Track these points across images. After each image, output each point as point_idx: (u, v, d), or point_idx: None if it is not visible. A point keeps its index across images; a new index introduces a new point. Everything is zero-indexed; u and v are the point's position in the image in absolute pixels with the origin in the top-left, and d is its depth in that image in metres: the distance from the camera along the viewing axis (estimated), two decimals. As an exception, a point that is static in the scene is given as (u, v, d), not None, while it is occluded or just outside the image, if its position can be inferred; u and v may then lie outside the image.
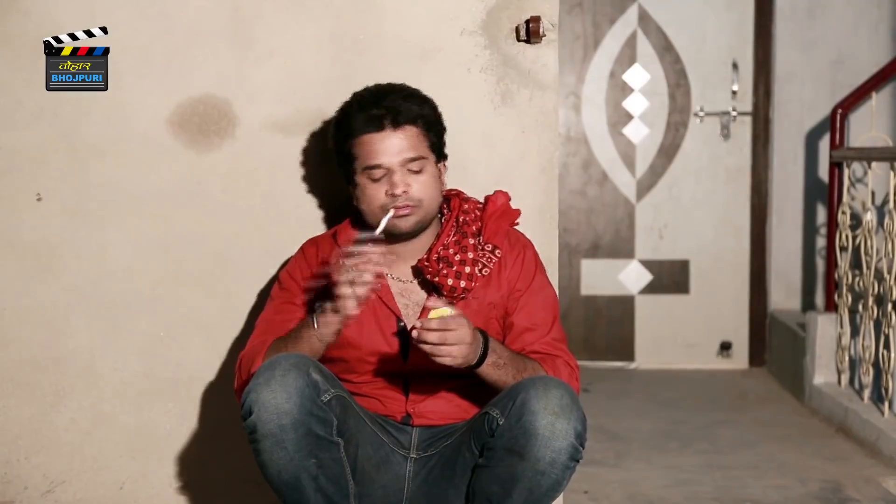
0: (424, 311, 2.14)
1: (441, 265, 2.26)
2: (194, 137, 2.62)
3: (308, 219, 2.60)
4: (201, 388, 2.68)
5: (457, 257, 2.27)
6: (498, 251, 2.32)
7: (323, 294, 2.17)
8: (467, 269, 2.27)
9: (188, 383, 2.67)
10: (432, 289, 2.29)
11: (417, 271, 2.32)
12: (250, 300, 2.65)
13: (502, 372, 2.18)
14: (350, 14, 2.60)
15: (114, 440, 2.68)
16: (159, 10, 2.59)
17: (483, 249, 2.31)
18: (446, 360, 2.06)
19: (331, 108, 2.58)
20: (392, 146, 2.24)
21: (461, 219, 2.34)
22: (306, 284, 2.32)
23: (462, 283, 2.26)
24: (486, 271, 2.30)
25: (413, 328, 2.05)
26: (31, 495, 2.68)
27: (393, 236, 2.26)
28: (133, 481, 2.69)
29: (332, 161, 2.59)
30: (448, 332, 2.03)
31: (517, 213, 2.41)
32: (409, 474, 2.28)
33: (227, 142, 2.63)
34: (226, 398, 2.63)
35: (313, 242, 2.41)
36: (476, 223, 2.34)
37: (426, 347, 2.04)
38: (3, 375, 2.65)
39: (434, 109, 2.33)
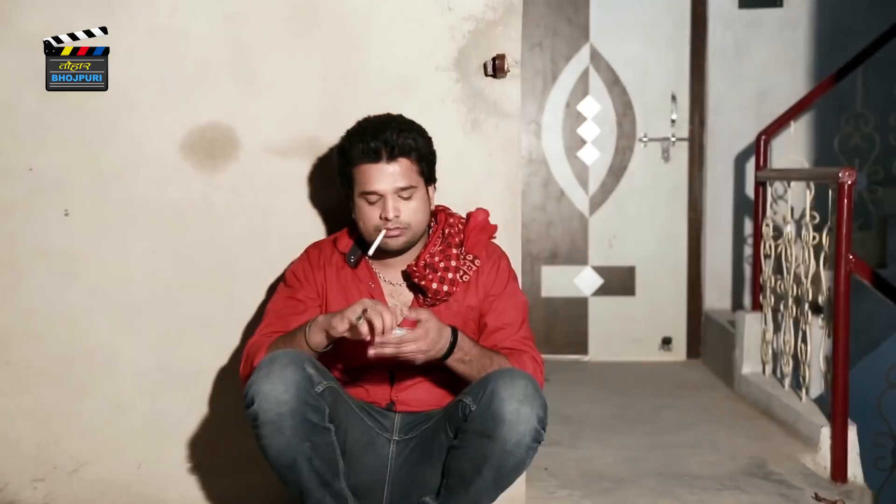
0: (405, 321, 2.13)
1: (427, 271, 2.27)
2: (203, 160, 2.60)
3: (303, 231, 2.59)
4: (209, 380, 2.66)
5: (441, 265, 2.28)
6: (477, 261, 2.32)
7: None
8: (450, 276, 2.27)
9: (197, 376, 2.65)
10: (418, 291, 2.29)
11: (406, 275, 2.32)
12: (252, 302, 2.63)
13: (468, 367, 2.18)
14: (340, 52, 2.59)
15: (132, 426, 2.65)
16: (172, 47, 2.58)
17: (464, 259, 2.32)
18: (411, 359, 2.08)
19: (323, 134, 2.58)
20: (386, 176, 2.23)
21: (446, 231, 2.34)
22: (308, 282, 2.33)
23: (445, 288, 2.27)
24: (466, 278, 2.30)
25: (370, 350, 2.05)
26: (60, 473, 2.65)
27: (385, 252, 2.27)
28: (149, 462, 2.66)
29: (324, 181, 2.59)
30: (404, 344, 2.05)
31: (495, 227, 2.41)
32: (392, 455, 2.27)
33: (231, 164, 2.61)
34: (231, 389, 2.62)
35: (316, 245, 2.41)
36: (459, 235, 2.35)
37: (389, 353, 2.06)
38: (34, 369, 2.62)
39: (427, 142, 2.32)
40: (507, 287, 2.35)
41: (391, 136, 2.24)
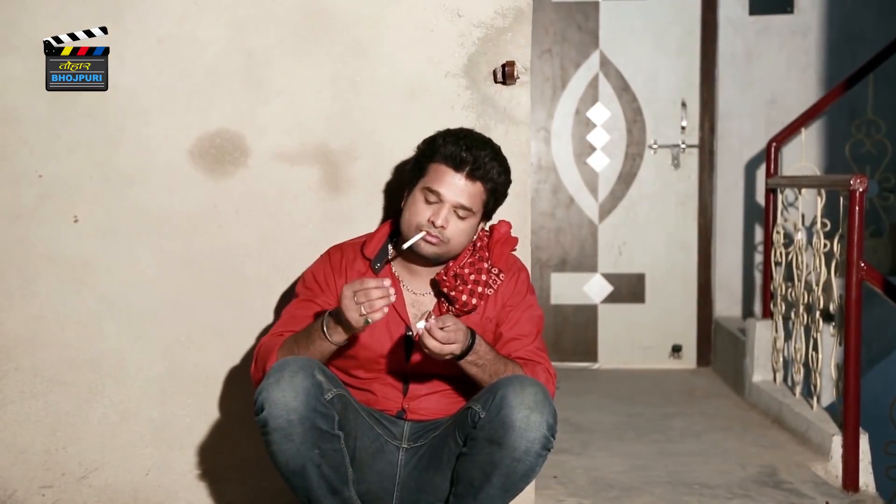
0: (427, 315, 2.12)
1: (458, 282, 2.26)
2: (212, 166, 2.61)
3: (312, 238, 2.59)
4: (217, 386, 2.66)
5: (472, 277, 2.28)
6: (502, 274, 2.33)
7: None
8: (480, 289, 2.28)
9: (206, 382, 2.66)
10: (446, 301, 2.29)
11: (434, 284, 2.31)
12: (260, 309, 2.63)
13: (480, 370, 2.17)
14: (348, 59, 2.60)
15: (140, 432, 2.66)
16: (181, 54, 2.59)
17: (491, 272, 2.32)
18: (440, 350, 2.05)
19: (332, 140, 2.59)
20: (456, 188, 2.22)
21: (477, 244, 2.34)
22: (328, 286, 2.32)
23: (474, 300, 2.27)
24: (491, 291, 2.31)
25: (420, 332, 2.04)
26: (68, 480, 2.65)
27: (414, 255, 2.27)
28: (157, 468, 2.67)
29: (334, 188, 2.59)
30: (447, 335, 2.04)
31: (516, 240, 2.41)
32: (401, 462, 2.27)
33: (240, 170, 2.62)
34: (240, 395, 2.62)
35: (339, 248, 2.40)
36: (485, 249, 2.34)
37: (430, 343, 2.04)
38: (44, 374, 2.63)
39: (507, 183, 2.32)
40: (525, 299, 2.35)
41: (483, 157, 2.23)
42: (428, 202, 2.24)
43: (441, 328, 2.03)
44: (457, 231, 2.24)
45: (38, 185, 2.59)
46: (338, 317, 2.10)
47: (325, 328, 2.13)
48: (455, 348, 2.06)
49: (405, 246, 2.22)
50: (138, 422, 2.66)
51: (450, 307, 2.28)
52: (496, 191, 2.29)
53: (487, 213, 2.32)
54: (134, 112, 2.59)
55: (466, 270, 2.28)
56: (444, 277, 2.27)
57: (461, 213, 2.23)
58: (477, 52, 2.59)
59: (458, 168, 2.23)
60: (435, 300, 2.32)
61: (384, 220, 2.52)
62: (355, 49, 2.60)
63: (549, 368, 2.29)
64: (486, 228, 2.39)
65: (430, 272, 2.32)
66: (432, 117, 2.54)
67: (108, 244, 2.61)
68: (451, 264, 2.30)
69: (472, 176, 2.23)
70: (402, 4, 2.59)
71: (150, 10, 2.58)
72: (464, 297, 2.26)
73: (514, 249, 2.42)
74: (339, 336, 2.13)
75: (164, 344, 2.64)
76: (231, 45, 2.59)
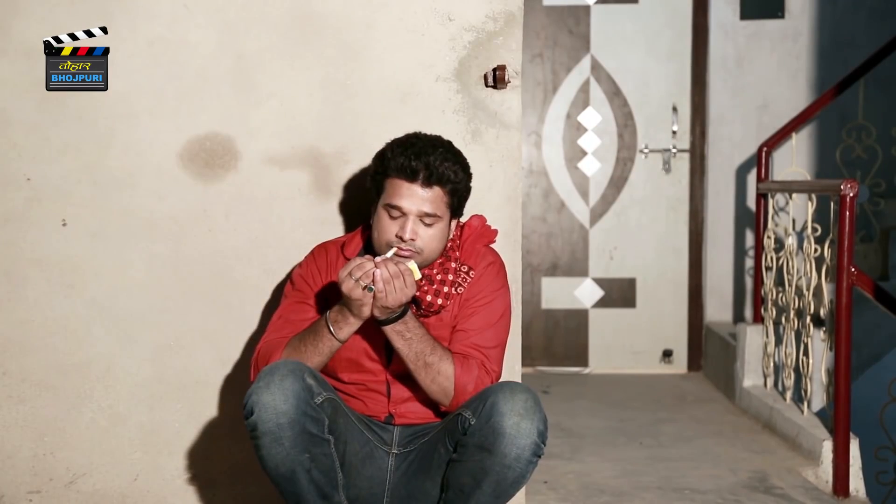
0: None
1: (423, 282, 2.25)
2: (201, 170, 2.61)
3: (302, 241, 2.59)
4: (207, 391, 2.65)
5: (438, 277, 2.27)
6: (472, 272, 2.32)
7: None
8: (445, 289, 2.27)
9: (195, 387, 2.65)
10: (413, 302, 2.28)
11: None
12: (250, 313, 2.63)
13: (406, 344, 2.16)
14: (339, 62, 2.60)
15: (129, 437, 2.65)
16: (171, 57, 2.58)
17: (460, 271, 2.31)
18: (384, 298, 2.08)
19: (322, 144, 2.59)
20: (415, 198, 2.21)
21: (447, 245, 2.32)
22: (320, 288, 2.33)
23: (439, 301, 2.26)
24: (461, 290, 2.30)
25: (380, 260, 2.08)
26: (56, 486, 2.64)
27: None
28: (146, 473, 2.66)
29: (324, 191, 2.59)
30: (397, 280, 2.07)
31: (494, 232, 2.40)
32: (391, 468, 2.27)
33: (230, 174, 2.61)
34: (229, 400, 2.62)
35: (322, 247, 2.40)
36: (458, 249, 2.34)
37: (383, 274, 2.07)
38: (31, 379, 2.62)
39: (467, 178, 2.30)
40: (484, 291, 2.31)
41: (434, 162, 2.21)
42: (392, 217, 2.22)
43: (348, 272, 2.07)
44: (427, 238, 2.23)
45: (27, 189, 2.59)
46: (340, 311, 2.12)
47: (330, 327, 2.14)
48: (390, 293, 2.08)
49: (377, 260, 2.14)
50: (127, 427, 2.65)
51: (418, 309, 2.26)
52: (457, 191, 2.26)
53: (455, 212, 2.30)
54: (123, 115, 2.59)
55: (434, 271, 2.28)
56: None
57: (427, 220, 2.22)
58: (468, 56, 2.60)
59: (411, 179, 2.21)
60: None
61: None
62: (346, 52, 2.60)
63: (485, 363, 2.24)
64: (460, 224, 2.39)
65: None
66: (423, 121, 2.54)
67: (96, 248, 2.60)
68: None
69: (427, 183, 2.21)
70: (394, 8, 2.59)
71: (141, 12, 2.57)
72: (428, 298, 2.25)
73: (492, 242, 2.41)
74: (346, 330, 2.14)
75: (153, 348, 2.63)
76: (221, 48, 2.59)
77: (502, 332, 2.32)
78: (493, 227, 2.42)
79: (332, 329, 2.14)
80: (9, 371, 2.62)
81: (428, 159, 2.20)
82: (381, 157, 2.28)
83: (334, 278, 2.29)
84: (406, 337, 2.16)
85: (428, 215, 2.21)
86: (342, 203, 2.62)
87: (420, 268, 2.20)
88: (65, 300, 2.61)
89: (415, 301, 2.26)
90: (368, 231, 2.34)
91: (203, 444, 2.67)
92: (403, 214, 2.21)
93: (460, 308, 2.30)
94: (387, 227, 2.22)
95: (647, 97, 4.98)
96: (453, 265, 2.30)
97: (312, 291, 2.32)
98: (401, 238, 2.20)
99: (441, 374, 2.18)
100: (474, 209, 2.52)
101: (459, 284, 2.29)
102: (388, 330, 2.15)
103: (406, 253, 2.20)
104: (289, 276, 2.43)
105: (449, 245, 2.32)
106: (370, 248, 2.32)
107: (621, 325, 5.03)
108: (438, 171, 2.21)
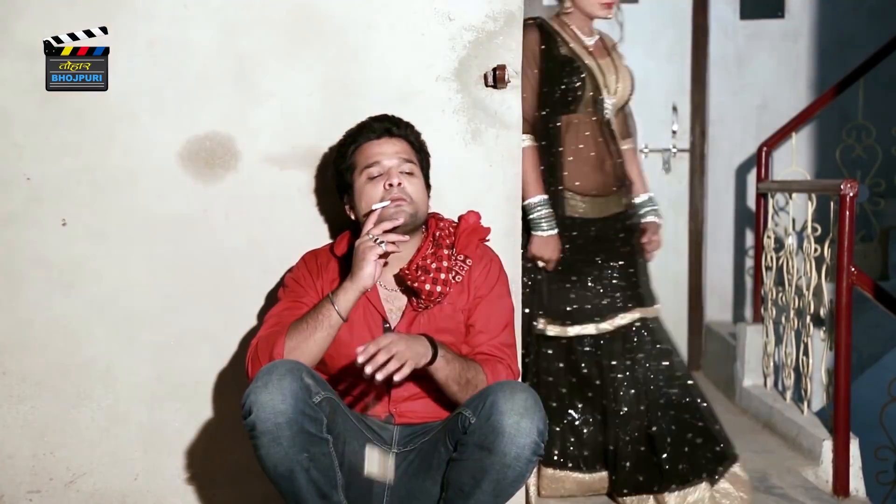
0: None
1: (419, 273, 2.27)
2: (201, 170, 2.61)
3: (302, 241, 2.59)
4: (207, 390, 2.65)
5: (433, 265, 2.29)
6: (469, 260, 2.34)
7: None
8: (443, 276, 2.29)
9: (195, 387, 2.65)
10: (412, 294, 2.30)
11: (400, 280, 2.33)
12: (251, 313, 2.63)
13: (448, 367, 2.19)
14: (339, 62, 2.60)
15: (129, 437, 2.65)
16: (171, 57, 2.58)
17: (456, 259, 2.33)
18: (399, 366, 2.07)
19: (322, 144, 2.59)
20: (390, 149, 2.33)
21: (437, 234, 2.36)
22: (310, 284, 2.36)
23: (438, 288, 2.28)
24: (458, 278, 2.32)
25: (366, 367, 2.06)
26: (56, 485, 2.64)
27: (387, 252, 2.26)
28: (146, 473, 2.66)
29: (324, 191, 2.59)
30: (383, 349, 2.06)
31: (488, 230, 2.43)
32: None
33: (230, 174, 2.61)
34: (229, 399, 2.61)
35: (313, 253, 2.44)
36: (450, 237, 2.37)
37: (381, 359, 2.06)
38: (32, 379, 2.62)
39: (422, 143, 2.43)
40: (494, 290, 2.37)
41: (392, 119, 2.39)
42: (373, 178, 2.31)
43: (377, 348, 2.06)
44: (414, 187, 2.32)
45: (27, 189, 2.58)
46: (341, 285, 2.19)
47: (331, 299, 2.19)
48: (403, 350, 2.07)
49: (375, 206, 2.26)
50: (127, 426, 2.65)
51: (418, 301, 2.29)
52: (421, 148, 2.41)
53: (425, 175, 2.39)
54: (124, 115, 2.59)
55: (429, 261, 2.30)
56: (408, 271, 2.29)
57: (407, 167, 2.32)
58: (468, 56, 2.60)
59: (379, 135, 2.35)
60: (406, 294, 2.35)
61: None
62: (346, 52, 2.60)
63: (510, 365, 2.32)
64: (455, 220, 2.41)
65: (397, 265, 2.33)
66: (423, 121, 2.54)
67: (96, 248, 2.60)
68: (414, 257, 2.31)
69: (392, 134, 2.36)
70: (394, 8, 2.59)
71: (141, 12, 2.57)
72: (427, 287, 2.27)
73: (487, 240, 2.43)
74: (345, 299, 2.18)
75: (154, 348, 2.63)
76: (222, 47, 2.59)
77: (514, 330, 2.40)
78: (486, 226, 2.43)
79: (332, 301, 2.18)
80: (9, 371, 2.61)
81: (385, 122, 2.38)
82: (342, 143, 2.40)
83: (326, 280, 2.35)
84: (448, 359, 2.19)
85: (406, 161, 2.33)
86: (342, 203, 2.61)
87: (412, 227, 2.29)
88: (64, 300, 2.61)
89: (415, 292, 2.29)
90: (356, 235, 2.33)
91: (203, 444, 2.67)
92: (384, 170, 2.31)
93: (471, 303, 2.33)
94: (372, 191, 2.31)
95: (647, 97, 4.97)
96: (446, 252, 2.32)
97: (306, 292, 2.34)
98: (390, 186, 2.28)
99: (478, 388, 2.22)
100: (474, 208, 2.52)
101: (457, 273, 2.32)
102: (433, 368, 2.17)
103: (399, 201, 2.27)
104: (281, 281, 2.44)
105: (440, 234, 2.35)
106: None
107: (621, 324, 5.01)
108: (399, 125, 2.38)
